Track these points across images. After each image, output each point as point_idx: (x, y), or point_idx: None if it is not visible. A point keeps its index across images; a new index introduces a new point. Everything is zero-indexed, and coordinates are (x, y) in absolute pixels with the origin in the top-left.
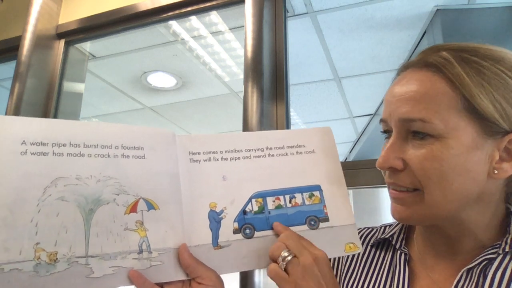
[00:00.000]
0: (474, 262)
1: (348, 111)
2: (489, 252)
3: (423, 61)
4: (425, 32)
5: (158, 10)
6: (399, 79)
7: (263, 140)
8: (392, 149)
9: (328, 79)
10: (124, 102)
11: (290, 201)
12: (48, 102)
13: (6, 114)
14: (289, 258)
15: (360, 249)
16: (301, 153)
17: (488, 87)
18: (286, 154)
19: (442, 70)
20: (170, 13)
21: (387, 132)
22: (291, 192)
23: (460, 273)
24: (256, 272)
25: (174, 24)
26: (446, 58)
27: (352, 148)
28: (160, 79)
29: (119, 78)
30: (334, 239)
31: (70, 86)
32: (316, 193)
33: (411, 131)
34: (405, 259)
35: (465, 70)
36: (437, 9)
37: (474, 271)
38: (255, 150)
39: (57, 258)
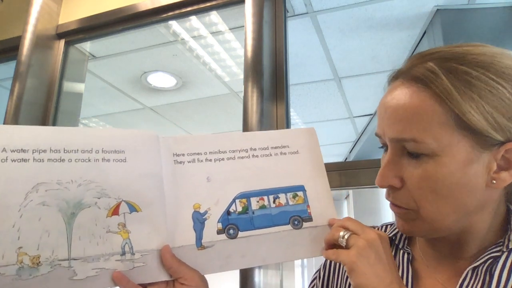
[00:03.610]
0: (479, 260)
1: (348, 111)
2: (493, 250)
3: (411, 73)
4: (425, 32)
5: (158, 10)
6: (390, 90)
7: (247, 141)
8: (389, 167)
9: (328, 79)
10: (124, 102)
11: (274, 201)
12: (48, 102)
13: (6, 114)
14: (349, 235)
15: None
16: (285, 153)
17: (479, 99)
18: (270, 155)
19: (430, 86)
20: (170, 13)
21: (384, 145)
22: (275, 192)
23: (465, 272)
24: (256, 272)
25: (174, 24)
26: (432, 71)
27: (352, 148)
28: (160, 79)
29: (119, 78)
30: (318, 238)
31: (70, 86)
32: (300, 193)
33: (406, 149)
34: (408, 259)
35: (453, 83)
36: (437, 9)
37: (480, 269)
38: (239, 151)
39: (40, 262)
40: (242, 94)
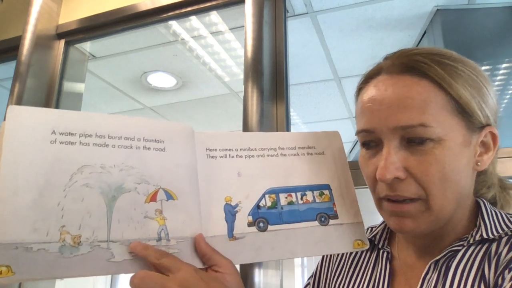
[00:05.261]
0: (440, 254)
1: (348, 111)
2: (456, 244)
3: (401, 65)
4: (425, 32)
5: (158, 10)
6: (374, 84)
7: (276, 140)
8: (391, 159)
9: (328, 79)
10: (124, 102)
11: (301, 198)
12: (48, 102)
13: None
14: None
15: (368, 246)
16: (311, 154)
17: (467, 86)
18: (298, 154)
19: (427, 73)
20: (170, 13)
21: (369, 142)
22: (302, 189)
23: (427, 266)
24: (256, 272)
25: (174, 24)
26: (425, 62)
27: (352, 148)
28: (160, 79)
29: (119, 78)
30: (343, 235)
31: (70, 86)
32: (326, 191)
33: (406, 138)
34: (387, 258)
35: (447, 72)
36: (437, 9)
37: (440, 263)
38: (269, 149)
39: (80, 241)
40: (242, 94)
